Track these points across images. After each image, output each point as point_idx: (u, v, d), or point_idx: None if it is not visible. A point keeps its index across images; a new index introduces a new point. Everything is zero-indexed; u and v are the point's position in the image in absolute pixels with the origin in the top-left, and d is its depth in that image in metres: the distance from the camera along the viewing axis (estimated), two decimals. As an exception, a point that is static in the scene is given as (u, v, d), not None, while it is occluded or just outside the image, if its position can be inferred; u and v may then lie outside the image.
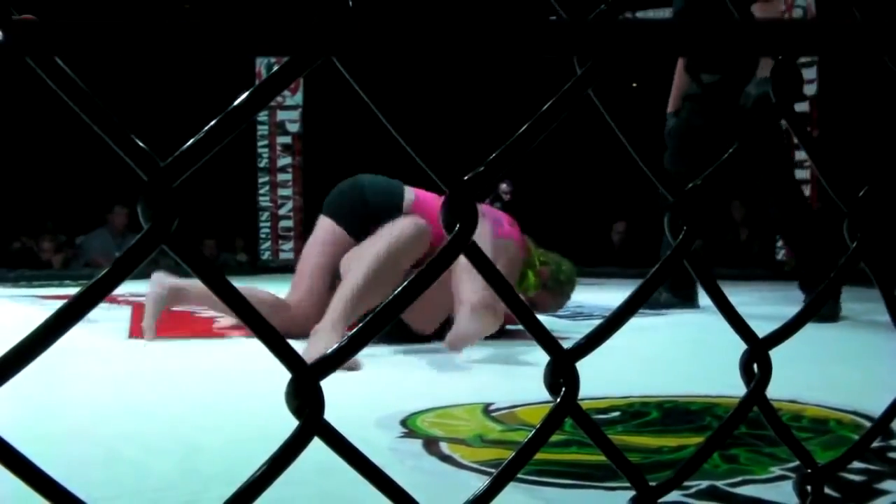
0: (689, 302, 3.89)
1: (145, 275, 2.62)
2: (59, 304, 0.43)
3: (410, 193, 2.81)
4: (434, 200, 2.81)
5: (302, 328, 2.45)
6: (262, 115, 8.33)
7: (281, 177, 8.58)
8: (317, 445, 0.47)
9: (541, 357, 0.55)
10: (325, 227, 2.81)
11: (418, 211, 2.70)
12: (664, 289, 3.96)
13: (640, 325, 2.58)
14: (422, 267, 0.49)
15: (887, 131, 3.37)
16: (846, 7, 0.59)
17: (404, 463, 1.21)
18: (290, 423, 0.46)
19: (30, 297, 4.88)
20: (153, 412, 1.60)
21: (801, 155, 6.53)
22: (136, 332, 3.03)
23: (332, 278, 2.69)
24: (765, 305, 3.88)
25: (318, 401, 0.46)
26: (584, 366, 0.55)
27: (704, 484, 1.06)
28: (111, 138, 0.42)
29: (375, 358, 2.22)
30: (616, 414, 1.55)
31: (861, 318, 3.26)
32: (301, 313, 2.68)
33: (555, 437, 0.56)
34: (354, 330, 0.48)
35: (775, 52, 0.59)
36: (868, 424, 1.41)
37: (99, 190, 7.98)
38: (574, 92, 0.52)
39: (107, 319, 3.21)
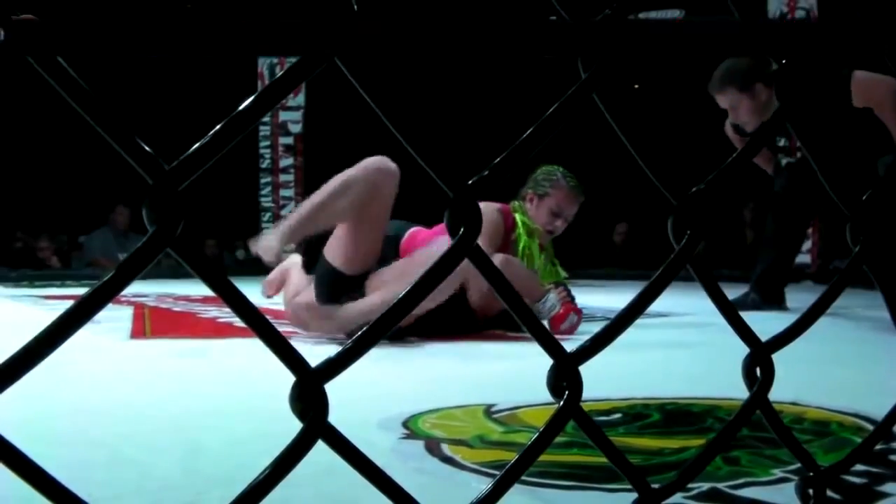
0: None
1: (148, 276, 2.65)
2: (61, 304, 0.43)
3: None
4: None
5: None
6: (265, 116, 8.32)
7: (283, 177, 8.59)
8: (319, 447, 0.47)
9: (542, 358, 0.55)
10: None
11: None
12: None
13: (641, 326, 2.59)
14: (426, 268, 0.49)
15: (888, 134, 3.37)
16: (849, 9, 0.59)
17: (406, 464, 1.21)
18: (293, 424, 0.46)
19: (32, 297, 4.88)
20: (155, 413, 1.60)
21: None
22: (137, 332, 3.03)
23: None
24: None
25: (322, 404, 0.46)
26: (584, 367, 0.55)
27: (706, 486, 1.06)
28: (115, 141, 0.42)
29: (377, 359, 2.21)
30: (618, 416, 1.55)
31: (863, 320, 3.26)
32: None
33: (556, 439, 0.56)
34: (360, 332, 0.48)
35: (778, 54, 0.59)
36: (870, 427, 1.40)
37: (101, 189, 7.98)
38: (578, 95, 0.52)
39: (109, 319, 3.20)
